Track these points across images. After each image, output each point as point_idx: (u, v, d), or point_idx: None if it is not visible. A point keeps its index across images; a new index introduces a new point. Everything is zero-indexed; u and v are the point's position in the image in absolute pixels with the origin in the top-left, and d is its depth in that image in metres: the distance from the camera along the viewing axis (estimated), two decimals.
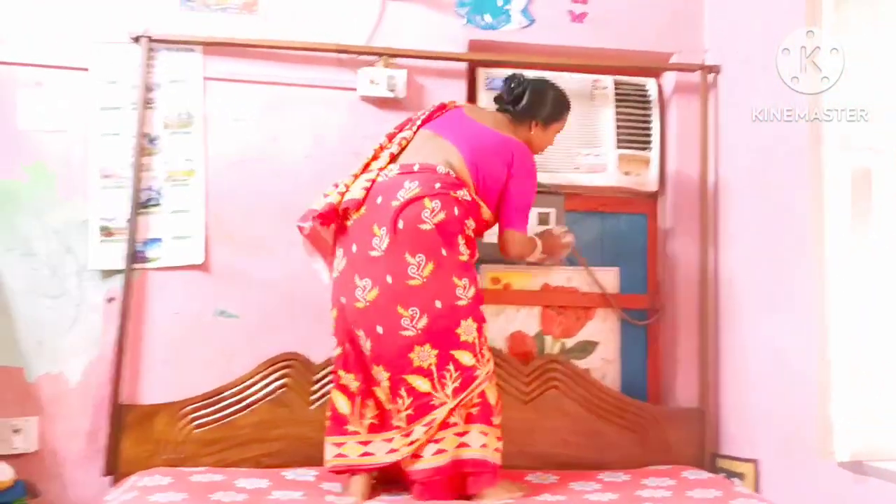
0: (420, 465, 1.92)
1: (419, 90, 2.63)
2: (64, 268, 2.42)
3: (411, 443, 1.92)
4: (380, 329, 1.93)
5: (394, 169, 2.07)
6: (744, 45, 2.49)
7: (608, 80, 2.71)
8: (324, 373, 2.39)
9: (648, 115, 2.73)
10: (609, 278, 2.76)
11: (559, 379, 2.52)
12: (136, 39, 2.50)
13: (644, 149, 2.71)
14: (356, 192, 2.02)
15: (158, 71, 2.54)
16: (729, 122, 2.59)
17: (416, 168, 2.04)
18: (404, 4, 2.66)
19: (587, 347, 2.73)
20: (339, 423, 2.03)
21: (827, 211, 1.95)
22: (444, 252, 1.95)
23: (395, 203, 1.96)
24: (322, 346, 2.39)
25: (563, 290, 2.74)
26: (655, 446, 2.48)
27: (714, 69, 2.65)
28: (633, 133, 2.70)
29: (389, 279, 1.93)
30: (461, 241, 2.00)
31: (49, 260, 2.41)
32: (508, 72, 2.64)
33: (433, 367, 1.92)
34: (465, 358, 1.94)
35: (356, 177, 2.10)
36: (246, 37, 2.57)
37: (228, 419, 2.34)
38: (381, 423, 2.01)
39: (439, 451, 1.91)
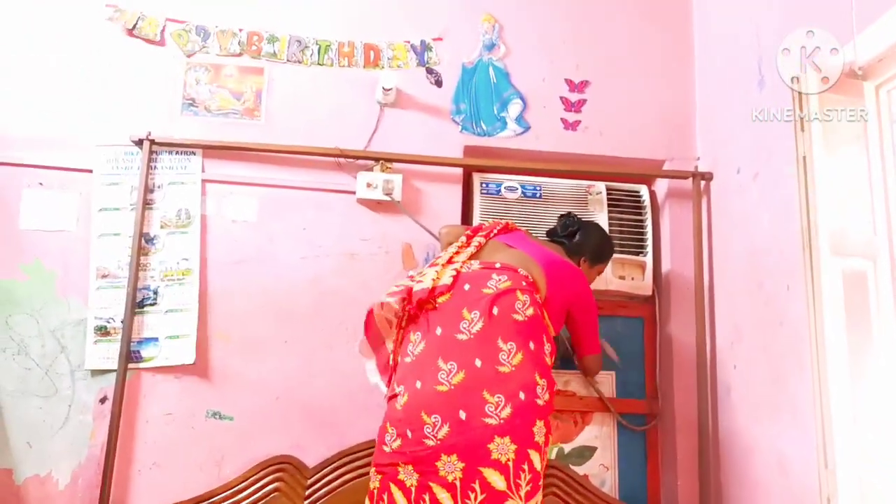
0: None
1: (415, 194, 2.87)
2: (57, 367, 2.58)
3: None
4: (462, 414, 1.97)
5: (474, 265, 2.27)
6: (735, 154, 2.72)
7: (601, 186, 2.97)
8: (317, 476, 2.52)
9: (642, 221, 2.97)
10: (606, 382, 2.91)
11: (557, 486, 2.63)
12: (139, 142, 2.75)
13: (638, 253, 2.94)
14: (446, 279, 2.20)
15: (159, 172, 2.78)
16: (722, 228, 2.80)
17: (497, 266, 2.24)
18: (402, 111, 2.95)
19: (585, 453, 2.87)
20: None
21: (822, 315, 2.10)
22: (532, 346, 2.08)
23: (488, 291, 2.14)
24: (316, 449, 2.55)
25: (560, 394, 2.88)
26: None
27: (706, 176, 2.89)
28: (627, 238, 2.94)
29: (478, 363, 2.03)
30: (545, 339, 2.14)
31: (43, 360, 2.58)
32: (503, 177, 2.91)
33: (510, 464, 1.94)
34: (536, 460, 1.98)
35: (444, 266, 2.27)
36: (246, 141, 2.82)
37: None
38: None
39: None
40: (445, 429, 1.97)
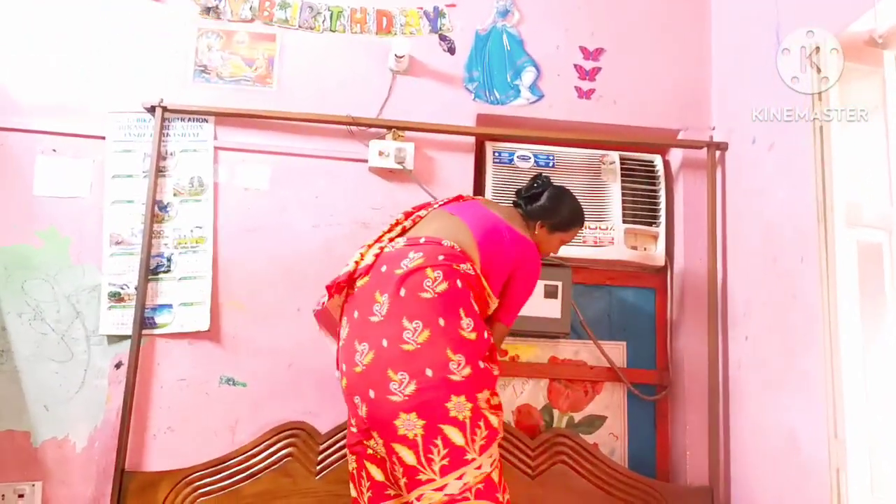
0: None
1: (427, 162, 2.88)
2: (73, 332, 2.63)
3: None
4: (372, 393, 2.02)
5: (401, 241, 2.26)
6: (750, 124, 2.69)
7: (615, 156, 2.97)
8: (330, 442, 2.58)
9: (655, 191, 2.98)
10: (616, 353, 2.94)
11: (567, 454, 2.67)
12: (151, 109, 2.77)
13: (651, 224, 2.94)
14: (368, 260, 2.22)
15: (171, 140, 2.80)
16: (736, 199, 2.81)
17: (422, 241, 2.20)
18: (414, 79, 2.95)
19: (595, 422, 2.91)
20: (381, 490, 2.11)
21: (836, 287, 2.12)
22: (441, 322, 2.03)
23: (399, 271, 2.12)
24: (328, 416, 2.60)
25: (571, 364, 2.93)
26: None
27: (721, 146, 2.89)
28: (640, 208, 2.95)
29: (385, 343, 2.03)
30: (463, 314, 2.07)
31: (58, 325, 2.63)
32: (516, 146, 2.91)
33: (419, 439, 1.95)
34: (455, 436, 1.95)
35: (369, 247, 2.28)
36: (258, 108, 2.83)
37: (232, 488, 2.51)
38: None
39: None
40: (365, 408, 2.04)
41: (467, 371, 2.00)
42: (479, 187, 2.92)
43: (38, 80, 2.78)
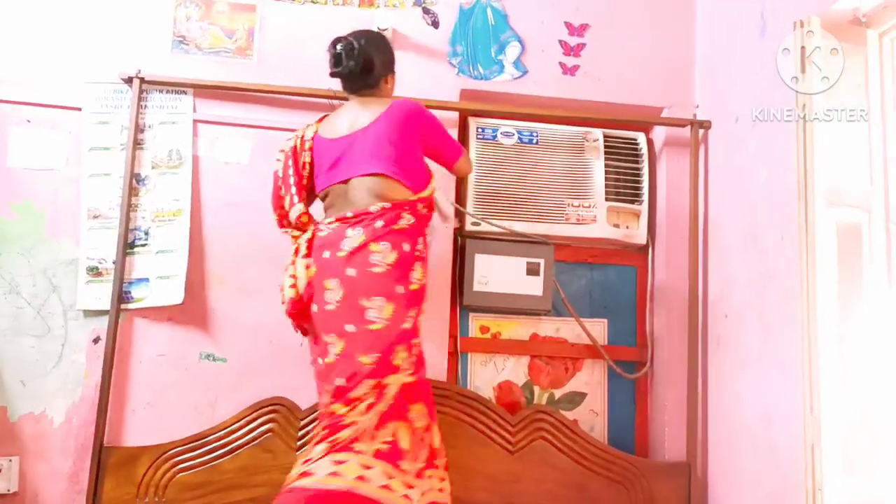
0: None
1: None
2: (49, 307, 2.62)
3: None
4: (340, 381, 2.07)
5: (333, 226, 2.20)
6: (734, 102, 2.72)
7: (598, 133, 2.97)
8: (310, 418, 2.58)
9: (638, 169, 2.99)
10: (597, 330, 2.98)
11: (547, 430, 2.70)
12: (128, 80, 2.73)
13: (633, 202, 2.96)
14: (304, 279, 2.18)
15: (149, 112, 2.77)
16: (719, 177, 2.83)
17: (349, 214, 2.17)
18: (397, 53, 2.88)
19: (575, 399, 2.94)
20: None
21: (814, 266, 2.13)
22: (399, 289, 2.11)
23: (342, 254, 2.12)
24: (309, 391, 2.58)
25: (552, 341, 2.96)
26: (642, 500, 2.66)
27: (705, 124, 2.90)
28: (623, 186, 2.96)
29: (349, 328, 2.07)
30: (414, 268, 2.16)
31: (34, 299, 2.62)
32: (499, 122, 2.91)
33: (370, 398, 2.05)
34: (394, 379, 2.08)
35: (293, 263, 2.23)
36: (238, 80, 2.80)
37: (212, 463, 2.52)
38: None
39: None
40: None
41: (413, 312, 2.14)
42: None
43: (11, 50, 2.73)
